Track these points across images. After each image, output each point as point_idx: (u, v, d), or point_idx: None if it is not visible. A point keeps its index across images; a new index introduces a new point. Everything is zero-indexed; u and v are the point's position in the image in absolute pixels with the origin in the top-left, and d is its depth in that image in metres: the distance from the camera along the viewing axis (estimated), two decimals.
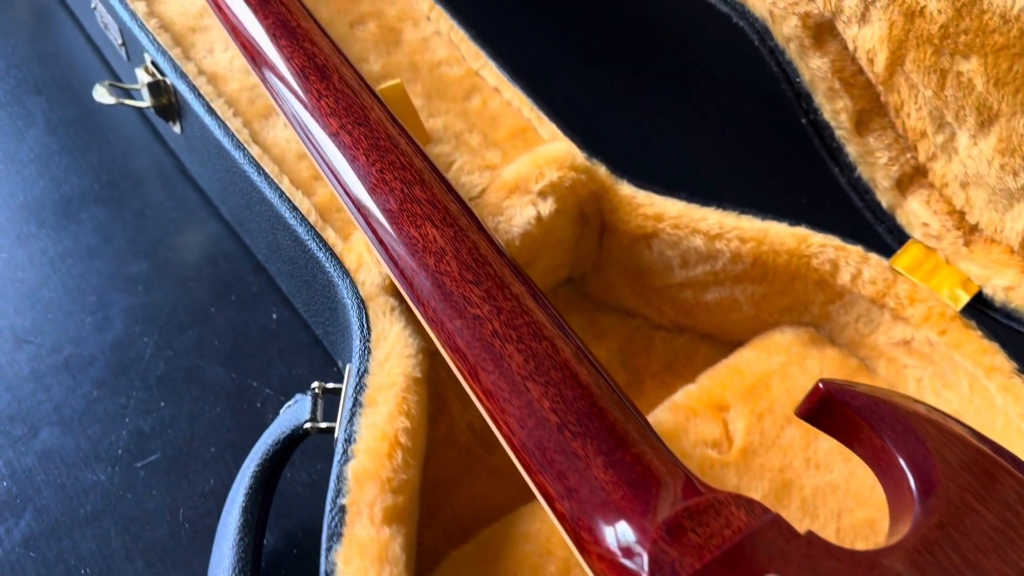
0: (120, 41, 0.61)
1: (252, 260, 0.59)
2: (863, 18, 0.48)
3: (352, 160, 0.46)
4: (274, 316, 0.57)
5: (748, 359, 0.51)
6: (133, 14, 0.58)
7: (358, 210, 0.45)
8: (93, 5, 0.64)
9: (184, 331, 0.55)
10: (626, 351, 0.56)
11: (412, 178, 0.45)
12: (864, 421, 0.36)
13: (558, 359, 0.39)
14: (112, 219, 0.60)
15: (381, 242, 0.44)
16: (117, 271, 0.57)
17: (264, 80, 0.50)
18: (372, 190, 0.45)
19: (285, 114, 0.49)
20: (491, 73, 0.59)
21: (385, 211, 0.44)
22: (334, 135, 0.47)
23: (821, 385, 0.37)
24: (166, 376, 0.53)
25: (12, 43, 0.71)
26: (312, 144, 0.47)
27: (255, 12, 0.51)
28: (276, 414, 0.53)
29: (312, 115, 0.47)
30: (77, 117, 0.66)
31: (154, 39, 0.56)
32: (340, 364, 0.54)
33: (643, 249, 0.53)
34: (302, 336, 0.56)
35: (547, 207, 0.51)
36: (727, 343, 0.55)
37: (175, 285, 0.57)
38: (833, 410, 0.37)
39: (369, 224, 0.44)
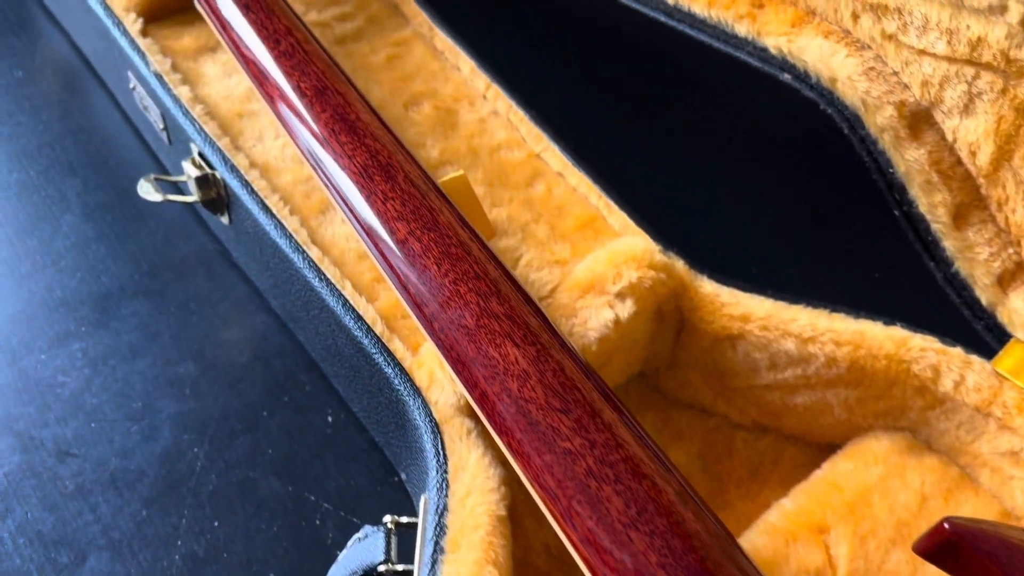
0: (161, 125, 0.58)
1: (305, 356, 0.56)
2: (966, 110, 0.45)
3: (423, 270, 0.42)
4: (329, 419, 0.54)
5: (844, 471, 0.47)
6: (177, 100, 0.55)
7: (431, 325, 0.42)
8: (132, 85, 0.61)
9: (236, 439, 0.52)
10: (706, 455, 0.52)
11: (488, 290, 0.42)
12: (995, 567, 0.33)
13: (662, 502, 0.36)
14: (155, 314, 0.57)
15: (457, 362, 0.41)
16: (162, 372, 0.54)
17: (322, 178, 0.47)
18: (446, 304, 0.41)
19: (346, 216, 0.46)
20: (554, 156, 0.56)
21: (461, 328, 0.41)
22: (402, 243, 0.43)
23: (947, 526, 0.34)
24: (218, 491, 0.50)
25: (43, 119, 0.68)
26: (378, 251, 0.44)
27: (311, 106, 0.48)
28: (335, 531, 0.50)
29: (377, 220, 0.44)
30: (114, 200, 0.63)
31: (201, 128, 0.53)
32: (403, 476, 0.50)
33: (726, 350, 0.50)
34: (359, 441, 0.53)
35: (626, 309, 0.48)
36: (814, 444, 0.52)
37: (224, 387, 0.54)
38: (959, 552, 0.33)
39: (443, 343, 0.41)
